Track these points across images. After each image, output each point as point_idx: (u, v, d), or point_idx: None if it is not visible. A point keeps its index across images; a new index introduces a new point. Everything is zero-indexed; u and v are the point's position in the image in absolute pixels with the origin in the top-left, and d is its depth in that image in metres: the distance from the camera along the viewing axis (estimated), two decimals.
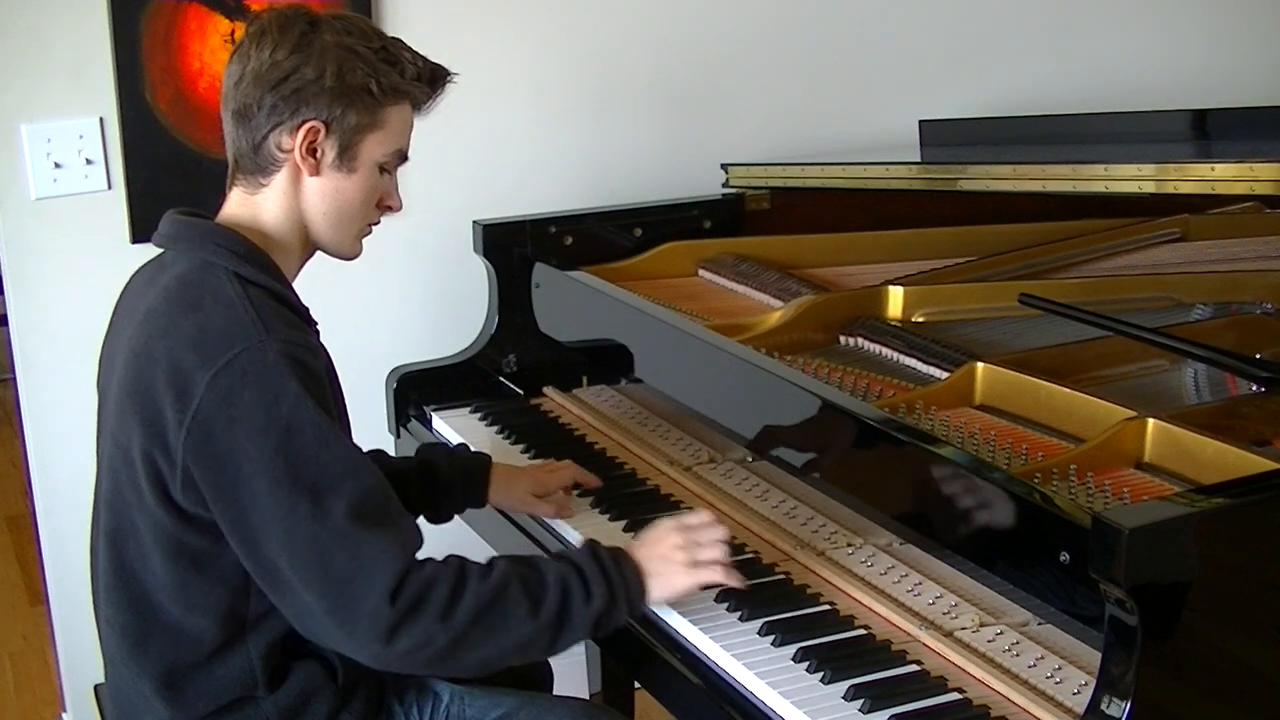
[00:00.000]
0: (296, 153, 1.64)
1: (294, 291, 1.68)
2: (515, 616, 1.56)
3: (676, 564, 1.64)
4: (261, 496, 1.51)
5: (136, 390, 1.57)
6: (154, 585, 1.62)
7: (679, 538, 1.66)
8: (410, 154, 1.73)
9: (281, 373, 1.53)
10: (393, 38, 1.69)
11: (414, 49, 1.70)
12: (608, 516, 1.94)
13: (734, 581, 1.65)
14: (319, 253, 1.75)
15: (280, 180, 1.66)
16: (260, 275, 1.62)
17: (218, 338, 1.54)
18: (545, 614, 1.57)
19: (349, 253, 1.75)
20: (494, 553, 1.69)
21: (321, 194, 1.67)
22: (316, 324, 1.71)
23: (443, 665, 1.58)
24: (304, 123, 1.62)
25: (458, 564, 1.58)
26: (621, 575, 1.61)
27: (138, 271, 1.74)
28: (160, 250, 1.70)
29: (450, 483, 1.96)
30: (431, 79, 1.70)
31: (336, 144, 1.65)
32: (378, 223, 1.76)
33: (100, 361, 1.73)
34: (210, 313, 1.56)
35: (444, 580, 1.55)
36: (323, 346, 1.66)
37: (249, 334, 1.54)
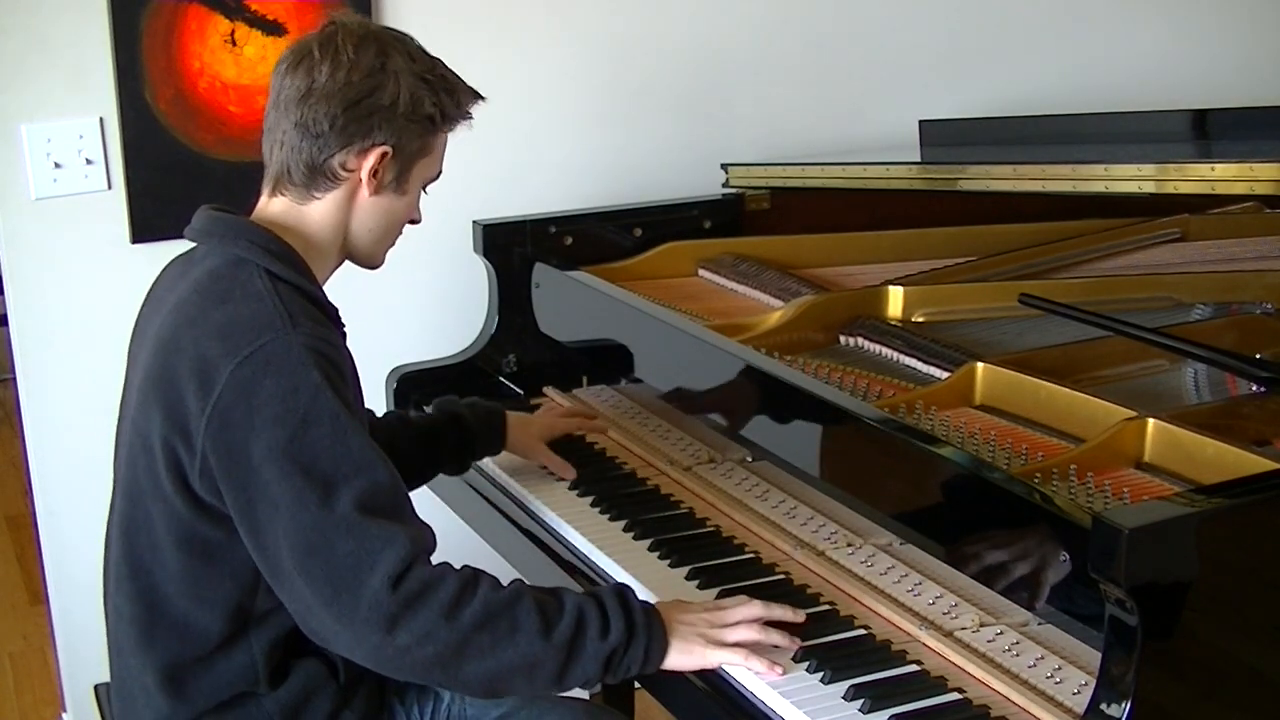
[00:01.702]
0: (362, 174, 1.66)
1: (324, 292, 1.69)
2: (525, 631, 1.52)
3: (697, 638, 1.58)
4: (272, 485, 1.51)
5: (161, 378, 1.58)
6: (164, 576, 1.62)
7: (709, 614, 1.61)
8: None
9: (304, 364, 1.53)
10: (439, 60, 1.70)
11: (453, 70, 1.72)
12: (608, 517, 1.94)
13: (759, 666, 1.55)
14: None
15: (335, 196, 1.68)
16: (291, 274, 1.63)
17: (244, 329, 1.55)
18: (557, 637, 1.53)
19: (378, 264, 1.78)
20: (497, 555, 1.68)
21: (372, 212, 1.70)
22: (344, 326, 1.71)
23: (444, 672, 1.53)
24: (374, 146, 1.65)
25: (471, 570, 1.57)
26: (648, 622, 1.57)
27: (169, 264, 1.74)
28: (193, 245, 1.70)
29: (475, 430, 2.04)
30: (472, 103, 1.72)
31: (396, 167, 1.68)
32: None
33: (129, 354, 1.74)
34: (239, 305, 1.57)
35: (453, 578, 1.53)
36: (348, 350, 1.67)
37: (274, 326, 1.55)
